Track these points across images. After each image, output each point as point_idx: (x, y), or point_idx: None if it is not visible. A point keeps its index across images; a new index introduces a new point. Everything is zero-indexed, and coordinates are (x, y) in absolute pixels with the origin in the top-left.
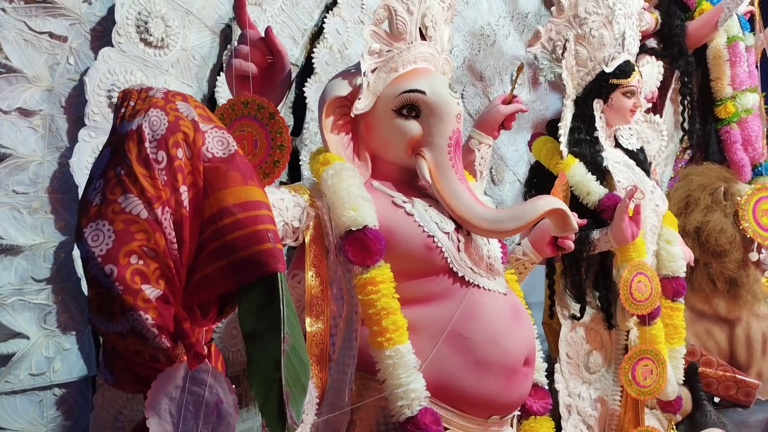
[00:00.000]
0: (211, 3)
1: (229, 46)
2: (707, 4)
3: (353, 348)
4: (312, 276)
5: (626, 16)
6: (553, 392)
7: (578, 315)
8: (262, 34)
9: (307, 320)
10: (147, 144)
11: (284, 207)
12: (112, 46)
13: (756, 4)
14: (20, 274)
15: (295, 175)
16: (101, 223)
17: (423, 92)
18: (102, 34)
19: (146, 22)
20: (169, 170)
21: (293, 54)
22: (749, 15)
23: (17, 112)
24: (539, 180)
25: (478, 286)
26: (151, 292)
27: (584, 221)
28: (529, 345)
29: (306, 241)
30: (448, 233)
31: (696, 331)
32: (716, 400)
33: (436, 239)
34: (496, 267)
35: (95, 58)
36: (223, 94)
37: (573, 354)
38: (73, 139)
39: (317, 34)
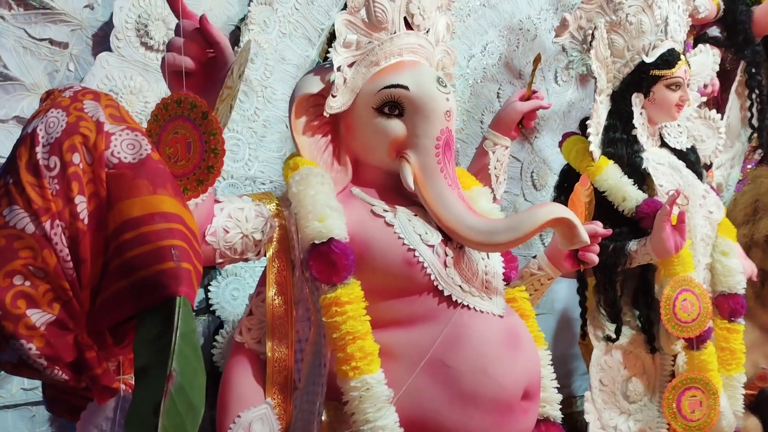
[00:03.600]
0: (219, 4)
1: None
2: None
3: (322, 375)
4: (274, 294)
5: None
6: (582, 424)
7: (613, 336)
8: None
9: (268, 344)
10: (39, 148)
11: (243, 217)
12: (111, 50)
13: None
14: None
15: None
16: None
17: (405, 87)
18: (104, 40)
19: (146, 26)
20: (62, 178)
21: (309, 55)
22: None
23: (14, 121)
24: (570, 185)
25: (468, 306)
26: (39, 317)
27: (609, 231)
28: (529, 376)
29: (269, 254)
30: (432, 246)
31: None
32: None
33: (417, 253)
34: (493, 284)
35: None
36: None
37: (608, 380)
38: None
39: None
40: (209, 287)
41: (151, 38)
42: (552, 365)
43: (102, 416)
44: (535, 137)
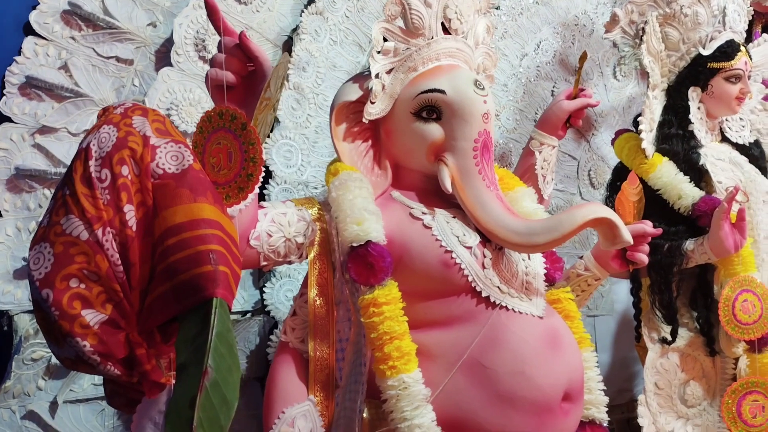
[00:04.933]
0: (272, 17)
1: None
2: None
3: (362, 374)
4: (315, 295)
5: None
6: (635, 429)
7: (669, 338)
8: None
9: (311, 344)
10: (92, 162)
11: (286, 222)
12: (172, 65)
13: None
14: None
15: None
16: (43, 245)
17: (443, 91)
18: (166, 55)
19: (204, 40)
20: (112, 189)
21: (360, 61)
22: None
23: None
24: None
25: (507, 307)
26: (92, 317)
27: (659, 230)
28: (570, 377)
29: (310, 257)
30: (470, 248)
31: None
32: None
33: (454, 254)
34: (534, 286)
35: None
36: (281, 107)
37: (664, 384)
38: None
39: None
40: (264, 289)
41: (209, 52)
42: (604, 369)
43: (155, 410)
44: (593, 134)
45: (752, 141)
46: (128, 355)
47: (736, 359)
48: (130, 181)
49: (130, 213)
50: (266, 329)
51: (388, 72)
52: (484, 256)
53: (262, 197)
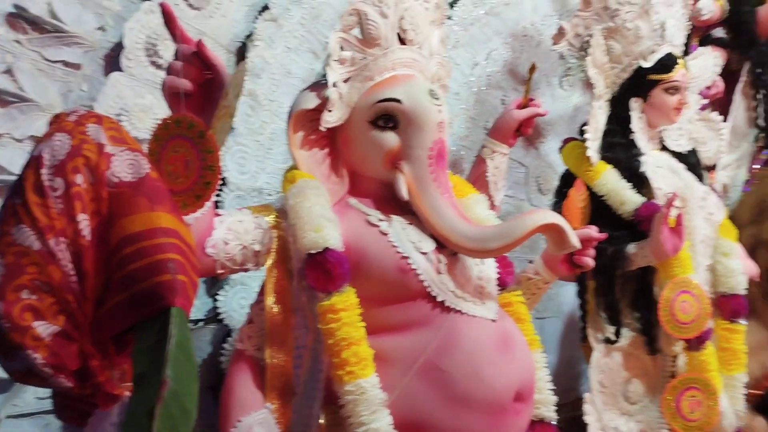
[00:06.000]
0: (226, 22)
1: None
2: None
3: (319, 380)
4: (273, 302)
5: (667, 4)
6: (581, 426)
7: (613, 338)
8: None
9: (267, 351)
10: (44, 170)
11: (243, 230)
12: (122, 70)
13: None
14: None
15: None
16: None
17: (399, 101)
18: (115, 60)
19: (155, 45)
20: (66, 198)
21: (315, 69)
22: None
23: (30, 140)
24: (570, 190)
25: (461, 311)
26: (44, 329)
27: (604, 235)
28: (521, 378)
29: (268, 264)
30: (426, 254)
31: None
32: None
33: (410, 260)
34: (487, 290)
35: None
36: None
37: (608, 382)
38: None
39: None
40: (217, 297)
41: (161, 57)
42: (551, 369)
43: (108, 422)
44: (541, 142)
45: (689, 149)
46: (81, 366)
47: (675, 357)
48: (84, 190)
49: (84, 222)
50: (219, 338)
51: (345, 81)
52: (439, 262)
53: (215, 204)
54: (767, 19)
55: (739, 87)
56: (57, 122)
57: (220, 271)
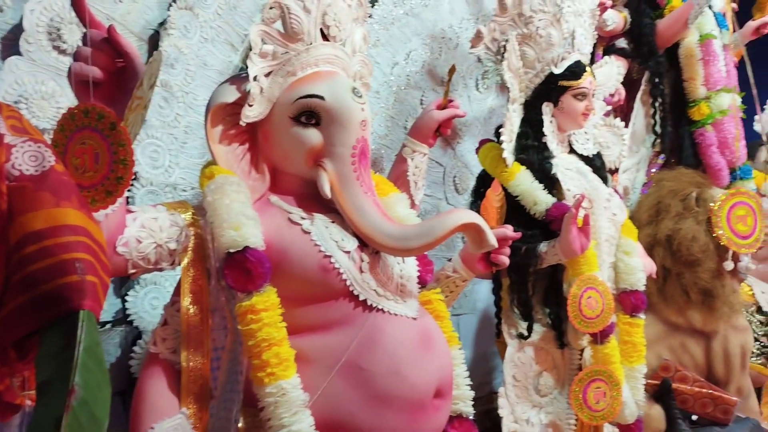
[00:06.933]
0: (137, 8)
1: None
2: (677, 1)
3: (238, 382)
4: (189, 303)
5: (576, 13)
6: (497, 419)
7: (525, 334)
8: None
9: (183, 354)
10: None
11: (158, 227)
12: (21, 54)
13: (728, 1)
14: None
15: None
16: None
17: (321, 97)
18: (13, 44)
19: (59, 29)
20: None
21: (232, 61)
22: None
23: None
24: (486, 190)
25: (383, 310)
26: None
27: (518, 234)
28: (441, 375)
29: (184, 264)
30: (348, 252)
31: (670, 345)
32: (694, 418)
33: (333, 259)
34: (408, 288)
35: None
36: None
37: (521, 376)
38: None
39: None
40: (127, 297)
41: (64, 42)
42: (466, 364)
43: None
44: (458, 142)
45: (595, 153)
46: None
47: (582, 351)
48: None
49: None
50: (129, 340)
51: (267, 75)
52: (362, 260)
53: (126, 200)
54: (665, 31)
55: (639, 95)
56: None
57: (132, 271)
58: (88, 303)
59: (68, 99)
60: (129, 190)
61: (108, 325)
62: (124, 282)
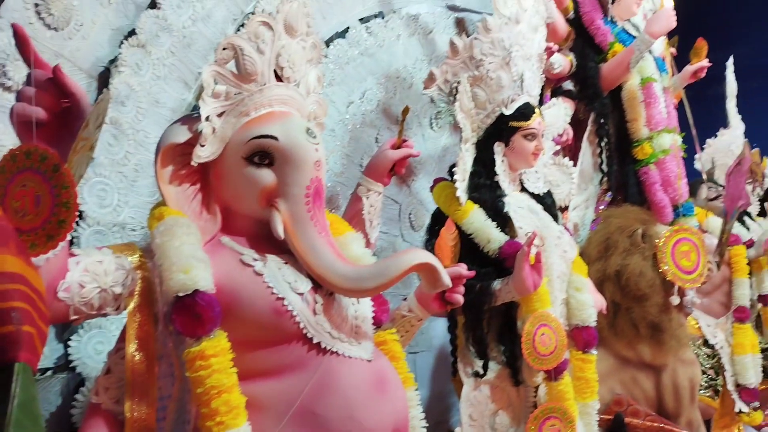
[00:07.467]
0: (87, 45)
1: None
2: (619, 46)
3: None
4: (135, 350)
5: (524, 57)
6: None
7: (481, 372)
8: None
9: (127, 404)
10: None
11: (102, 271)
12: None
13: (667, 47)
14: None
15: None
16: None
17: (275, 138)
18: None
19: (4, 66)
20: None
21: (185, 99)
22: (670, 56)
23: None
24: (441, 228)
25: (337, 353)
26: None
27: (472, 273)
28: (396, 417)
29: (129, 308)
30: (302, 294)
31: (622, 378)
32: None
33: (286, 301)
34: (363, 329)
35: None
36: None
37: (477, 415)
38: None
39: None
40: (69, 342)
41: (9, 79)
42: (423, 402)
43: None
44: (413, 180)
45: (546, 191)
46: None
47: (537, 388)
48: None
49: None
50: (71, 387)
51: (219, 115)
52: (316, 302)
53: (71, 242)
54: (608, 75)
55: (586, 135)
56: None
57: (74, 317)
58: (24, 355)
59: (13, 138)
60: (74, 231)
61: (49, 372)
62: (66, 326)
